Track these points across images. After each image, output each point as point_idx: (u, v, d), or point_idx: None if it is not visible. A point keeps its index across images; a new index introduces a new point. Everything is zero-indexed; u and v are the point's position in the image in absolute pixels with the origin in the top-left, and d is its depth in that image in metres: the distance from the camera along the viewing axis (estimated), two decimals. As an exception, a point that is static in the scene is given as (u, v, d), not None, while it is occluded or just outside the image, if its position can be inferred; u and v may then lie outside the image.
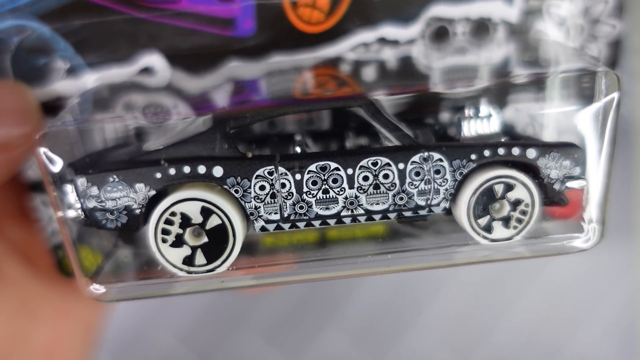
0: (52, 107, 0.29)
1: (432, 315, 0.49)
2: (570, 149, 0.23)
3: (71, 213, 0.23)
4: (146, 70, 0.29)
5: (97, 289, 0.23)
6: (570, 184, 0.23)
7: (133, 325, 0.45)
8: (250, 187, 0.23)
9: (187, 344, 0.48)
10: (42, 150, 0.22)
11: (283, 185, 0.23)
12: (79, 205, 0.23)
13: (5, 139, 0.24)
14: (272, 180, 0.23)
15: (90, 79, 0.29)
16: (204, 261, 0.23)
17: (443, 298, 0.49)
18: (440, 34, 0.29)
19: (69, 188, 0.23)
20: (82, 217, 0.23)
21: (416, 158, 0.23)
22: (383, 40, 0.29)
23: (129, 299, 0.23)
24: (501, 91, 0.26)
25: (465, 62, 0.28)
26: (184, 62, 0.29)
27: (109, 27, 0.28)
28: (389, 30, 0.29)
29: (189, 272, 0.23)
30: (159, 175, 0.22)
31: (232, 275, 0.24)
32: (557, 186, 0.23)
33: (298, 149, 0.24)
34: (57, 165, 0.22)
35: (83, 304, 0.35)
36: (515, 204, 0.23)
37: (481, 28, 0.29)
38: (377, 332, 0.49)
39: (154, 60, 0.29)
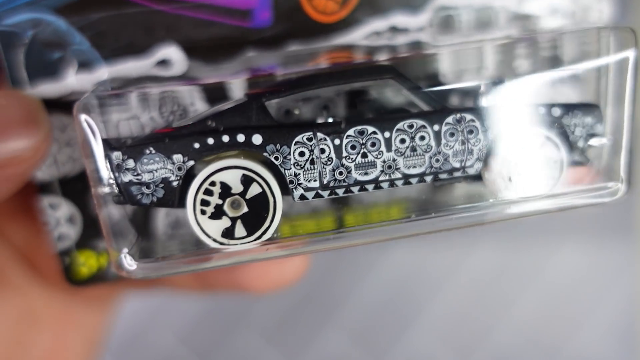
0: (66, 102, 0.28)
1: (432, 315, 0.49)
2: (590, 108, 0.24)
3: (105, 189, 0.22)
4: (163, 63, 0.29)
5: (130, 264, 0.22)
6: (592, 141, 0.24)
7: (133, 325, 0.43)
8: (289, 154, 0.23)
9: (187, 344, 0.46)
10: (83, 117, 0.21)
11: (322, 151, 0.23)
12: (112, 181, 0.22)
13: (13, 152, 0.23)
14: (311, 146, 0.23)
15: (106, 73, 0.29)
16: (244, 233, 0.23)
17: (443, 298, 0.49)
18: (447, 21, 0.31)
19: (103, 163, 0.22)
20: (116, 192, 0.22)
21: (450, 119, 0.23)
22: (394, 29, 0.30)
23: (164, 275, 0.22)
24: (511, 59, 0.28)
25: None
26: (201, 53, 0.29)
27: (126, 20, 0.28)
28: (400, 19, 0.30)
29: (226, 245, 0.22)
30: (197, 145, 0.22)
31: (264, 250, 0.23)
32: (580, 143, 0.24)
33: (330, 119, 0.24)
34: (97, 135, 0.21)
35: (86, 311, 0.34)
36: (542, 160, 0.24)
37: (484, 15, 0.31)
38: (377, 332, 0.49)
39: (171, 52, 0.29)
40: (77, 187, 0.30)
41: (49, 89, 0.28)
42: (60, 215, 0.30)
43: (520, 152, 0.24)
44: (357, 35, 0.31)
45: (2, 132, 0.24)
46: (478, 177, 0.25)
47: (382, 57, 0.27)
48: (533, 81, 0.27)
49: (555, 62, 0.26)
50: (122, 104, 0.27)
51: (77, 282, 0.31)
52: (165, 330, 0.46)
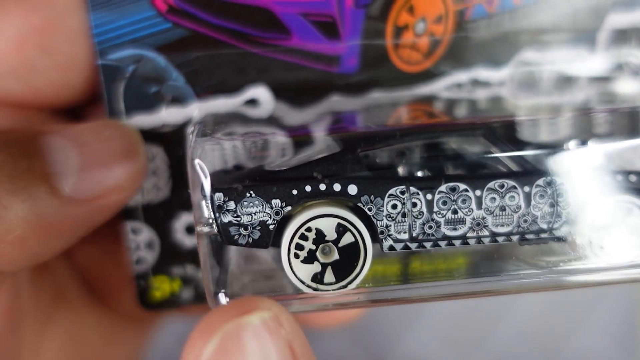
0: (156, 133, 0.30)
1: (433, 315, 0.49)
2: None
3: (205, 228, 0.23)
4: (251, 102, 0.30)
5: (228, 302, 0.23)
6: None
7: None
8: (382, 206, 0.23)
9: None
10: (197, 161, 0.22)
11: (414, 205, 0.23)
12: (212, 221, 0.23)
13: (116, 182, 0.25)
14: (403, 199, 0.23)
15: (197, 109, 0.30)
16: (333, 279, 0.23)
17: None
18: (528, 77, 0.31)
19: (203, 203, 0.23)
20: (215, 231, 0.23)
21: (540, 182, 0.24)
22: (475, 82, 0.31)
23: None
24: (590, 125, 0.28)
25: (550, 102, 0.30)
26: (288, 95, 0.30)
27: (221, 60, 0.29)
28: (482, 73, 0.31)
29: (315, 290, 0.23)
30: (295, 191, 0.23)
31: (354, 298, 0.24)
32: (669, 212, 0.24)
33: (420, 173, 0.25)
34: (207, 178, 0.22)
35: (130, 333, 0.35)
36: (634, 227, 0.24)
37: (565, 73, 0.31)
38: (377, 333, 0.49)
39: (260, 92, 0.30)
40: (159, 214, 0.31)
41: (142, 120, 0.30)
42: (141, 240, 0.31)
43: (610, 219, 0.24)
44: (439, 86, 0.31)
45: (106, 162, 0.25)
46: (564, 240, 0.25)
47: (467, 117, 0.28)
48: (616, 147, 0.27)
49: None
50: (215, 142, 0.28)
51: (150, 305, 0.32)
52: (164, 330, 0.46)
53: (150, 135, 0.30)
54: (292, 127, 0.27)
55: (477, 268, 0.27)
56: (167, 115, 0.30)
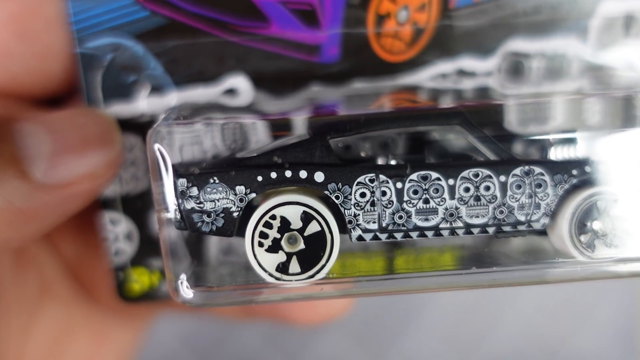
0: (135, 123, 0.29)
1: (432, 314, 0.48)
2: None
3: (167, 214, 0.22)
4: (230, 91, 0.29)
5: (187, 292, 0.22)
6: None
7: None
8: (350, 194, 0.22)
9: (187, 344, 0.46)
10: (156, 145, 0.22)
11: (384, 193, 0.22)
12: (175, 207, 0.22)
13: (89, 169, 0.24)
14: (372, 187, 0.22)
15: (175, 98, 0.29)
16: (299, 269, 0.22)
17: (443, 297, 0.48)
18: (516, 67, 0.30)
19: (166, 189, 0.22)
20: (178, 218, 0.22)
21: (517, 171, 0.23)
22: (461, 72, 0.30)
23: (217, 305, 0.22)
24: (582, 114, 0.27)
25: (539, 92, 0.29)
26: (267, 84, 0.29)
27: (199, 49, 0.29)
28: (468, 63, 0.30)
29: (279, 280, 0.22)
30: (260, 178, 0.22)
31: (318, 289, 0.23)
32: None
33: (393, 162, 0.24)
34: (168, 164, 0.21)
35: (121, 328, 0.34)
36: (617, 221, 0.23)
37: (555, 64, 0.30)
38: (377, 332, 0.48)
39: (239, 82, 0.29)
40: (137, 205, 0.30)
41: (120, 109, 0.29)
42: (119, 231, 0.31)
43: (591, 211, 0.23)
44: (423, 76, 0.30)
45: (80, 148, 0.25)
46: (543, 233, 0.24)
47: (448, 102, 0.27)
48: (606, 136, 0.26)
49: (631, 119, 0.25)
50: (188, 130, 0.27)
51: (128, 298, 0.31)
52: (165, 330, 0.46)
53: (129, 125, 0.30)
54: (263, 113, 0.27)
55: (464, 264, 0.26)
56: (146, 105, 0.30)
